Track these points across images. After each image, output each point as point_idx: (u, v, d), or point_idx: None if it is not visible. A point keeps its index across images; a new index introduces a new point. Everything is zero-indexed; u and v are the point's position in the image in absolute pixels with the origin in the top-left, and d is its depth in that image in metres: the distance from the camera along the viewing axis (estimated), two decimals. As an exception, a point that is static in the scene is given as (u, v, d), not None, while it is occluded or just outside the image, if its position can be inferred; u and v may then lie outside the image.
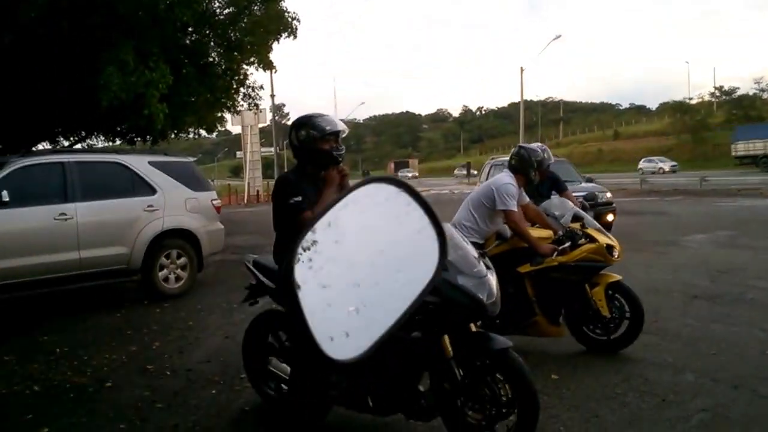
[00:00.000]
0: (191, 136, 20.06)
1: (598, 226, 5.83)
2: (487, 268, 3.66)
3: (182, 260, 9.03)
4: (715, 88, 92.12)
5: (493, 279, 3.61)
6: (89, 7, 11.50)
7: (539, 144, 7.10)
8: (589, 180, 13.68)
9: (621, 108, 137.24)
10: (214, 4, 14.86)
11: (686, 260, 10.69)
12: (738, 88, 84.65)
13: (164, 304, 8.44)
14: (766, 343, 5.85)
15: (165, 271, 8.85)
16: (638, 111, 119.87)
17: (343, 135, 3.98)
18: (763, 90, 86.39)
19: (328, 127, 3.87)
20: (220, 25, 14.96)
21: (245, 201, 38.54)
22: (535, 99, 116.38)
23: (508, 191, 5.60)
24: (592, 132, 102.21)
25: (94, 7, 11.53)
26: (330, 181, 3.90)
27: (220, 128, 20.78)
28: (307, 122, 3.93)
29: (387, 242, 2.78)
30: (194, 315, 7.85)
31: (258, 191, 40.41)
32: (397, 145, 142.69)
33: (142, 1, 11.25)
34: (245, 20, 15.16)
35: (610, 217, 11.84)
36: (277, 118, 74.80)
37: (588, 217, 5.88)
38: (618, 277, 5.68)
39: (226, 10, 15.13)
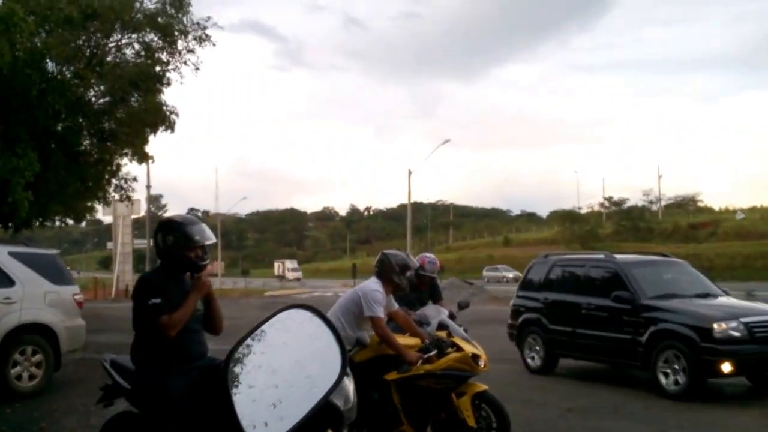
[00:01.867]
0: (57, 224, 19.35)
1: (465, 335, 5.83)
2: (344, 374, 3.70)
3: (38, 357, 8.51)
4: (605, 198, 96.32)
5: (350, 385, 3.64)
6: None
7: (429, 255, 7.37)
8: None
9: (512, 214, 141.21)
10: (90, 92, 14.68)
11: (566, 370, 10.59)
12: (627, 198, 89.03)
13: (16, 403, 7.92)
14: None
15: (19, 368, 8.32)
16: (529, 218, 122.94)
17: (211, 244, 4.01)
18: (651, 202, 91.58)
19: (196, 237, 3.91)
20: (95, 114, 14.83)
21: (113, 295, 37.06)
22: (426, 201, 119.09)
23: (375, 298, 5.61)
24: (482, 238, 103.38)
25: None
26: (199, 288, 3.94)
27: (89, 217, 20.16)
28: (176, 228, 3.95)
29: (301, 354, 3.39)
30: (48, 416, 7.40)
31: (127, 285, 38.91)
32: (281, 242, 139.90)
33: (14, 87, 10.97)
34: (121, 111, 15.07)
35: None
36: (153, 209, 72.90)
37: (453, 326, 5.89)
38: (484, 387, 5.68)
39: (102, 100, 15.01)
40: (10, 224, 15.74)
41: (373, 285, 5.78)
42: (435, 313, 6.18)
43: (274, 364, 3.30)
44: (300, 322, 3.52)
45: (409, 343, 5.65)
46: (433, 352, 5.44)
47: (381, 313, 5.60)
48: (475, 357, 5.54)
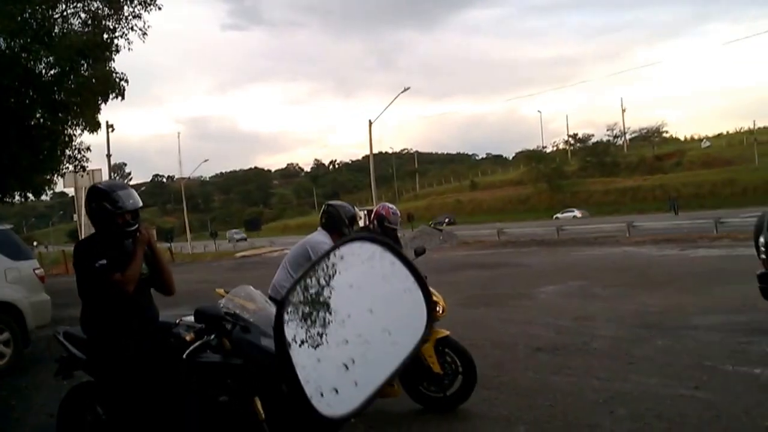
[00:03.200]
0: (17, 200, 19.07)
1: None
2: None
3: (4, 335, 8.51)
4: (569, 136, 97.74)
5: None
6: None
7: (390, 205, 7.15)
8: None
9: (478, 158, 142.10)
10: (39, 65, 14.37)
11: (535, 312, 10.86)
12: (592, 135, 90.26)
13: None
14: (600, 392, 6.00)
15: None
16: (495, 161, 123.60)
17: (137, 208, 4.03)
18: (616, 136, 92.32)
19: (119, 203, 3.91)
20: (45, 86, 14.50)
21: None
22: (390, 151, 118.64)
23: (322, 249, 5.48)
24: (449, 183, 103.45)
25: None
26: (141, 240, 3.99)
27: (50, 191, 19.90)
28: (101, 195, 3.96)
29: (374, 300, 2.72)
30: (17, 393, 7.40)
31: (95, 256, 38.48)
32: (247, 202, 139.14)
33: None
34: (71, 82, 14.79)
35: None
36: (117, 177, 72.00)
37: None
38: (446, 333, 5.67)
39: (51, 71, 14.70)
40: (-31, 203, 15.58)
41: (320, 237, 5.80)
42: None
43: (340, 313, 2.61)
44: (367, 259, 2.79)
45: None
46: None
47: None
48: None
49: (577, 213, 59.69)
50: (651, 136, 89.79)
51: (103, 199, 3.92)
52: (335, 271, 2.65)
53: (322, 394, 2.42)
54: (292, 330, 2.48)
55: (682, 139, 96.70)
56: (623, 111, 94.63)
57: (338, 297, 2.61)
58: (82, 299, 4.03)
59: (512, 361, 7.50)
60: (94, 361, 4.11)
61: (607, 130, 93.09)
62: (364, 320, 2.65)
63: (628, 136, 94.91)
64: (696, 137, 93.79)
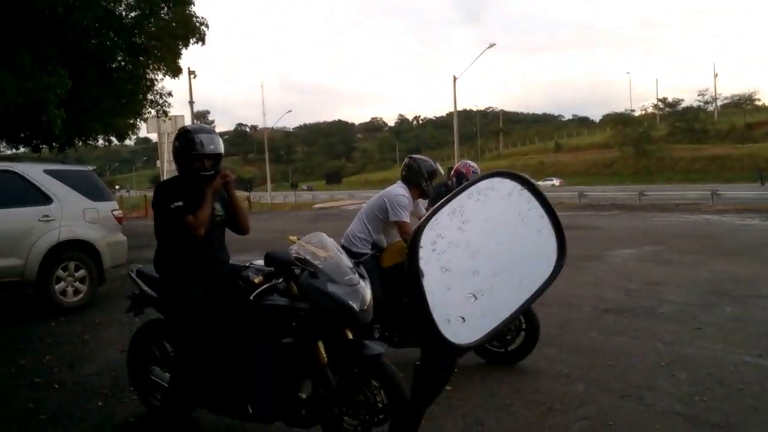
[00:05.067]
0: (100, 143, 19.52)
1: None
2: (361, 277, 3.74)
3: (81, 273, 8.68)
4: (659, 100, 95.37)
5: (366, 288, 3.67)
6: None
7: (472, 163, 7.24)
8: None
9: (563, 119, 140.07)
10: (119, 6, 14.47)
11: (606, 274, 10.77)
12: (682, 100, 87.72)
13: (61, 317, 8.11)
14: (663, 355, 5.96)
15: (62, 283, 8.49)
16: (581, 123, 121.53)
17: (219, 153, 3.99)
18: (707, 102, 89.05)
19: (198, 146, 3.86)
20: (125, 29, 14.57)
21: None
22: (474, 109, 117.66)
23: (401, 203, 5.60)
24: (533, 144, 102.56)
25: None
26: (212, 185, 3.91)
27: (134, 136, 20.32)
28: (184, 135, 3.95)
29: (507, 236, 2.67)
30: (91, 329, 7.59)
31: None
32: (330, 155, 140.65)
33: (33, 6, 10.81)
34: (151, 25, 14.87)
35: None
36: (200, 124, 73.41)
37: None
38: None
39: (131, 14, 14.79)
40: (54, 144, 15.96)
41: (399, 190, 5.74)
42: None
43: (473, 245, 2.58)
44: (506, 195, 2.73)
45: None
46: None
47: (406, 218, 5.58)
48: None
49: (556, 181, 60.10)
50: (743, 104, 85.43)
51: (185, 139, 3.92)
52: (473, 204, 2.60)
53: (449, 321, 2.38)
54: (426, 257, 2.41)
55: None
56: (715, 76, 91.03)
57: (473, 229, 2.56)
58: (158, 239, 4.07)
59: (577, 321, 7.48)
60: (165, 300, 4.22)
61: (698, 95, 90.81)
62: (495, 254, 2.60)
63: (719, 103, 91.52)
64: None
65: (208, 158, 3.90)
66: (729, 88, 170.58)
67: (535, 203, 2.69)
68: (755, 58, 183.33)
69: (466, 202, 2.58)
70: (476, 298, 2.50)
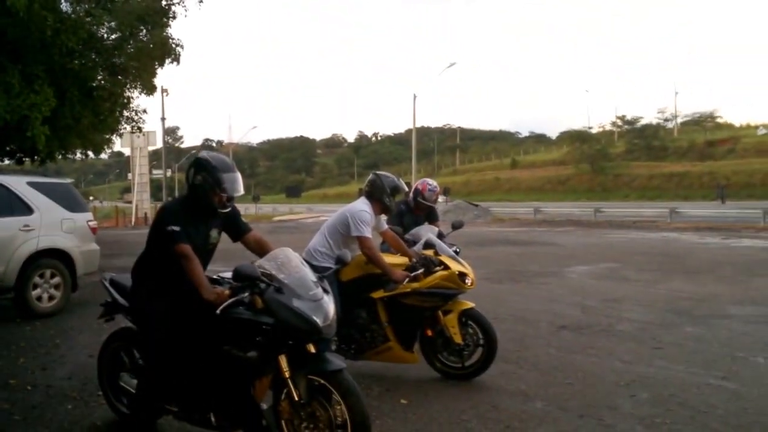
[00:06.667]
0: (78, 157, 20.18)
1: (452, 253, 5.88)
2: (325, 291, 3.82)
3: (56, 279, 9.12)
4: (617, 117, 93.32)
5: (329, 302, 3.77)
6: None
7: (431, 181, 7.29)
8: None
9: (521, 136, 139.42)
10: (102, 29, 15.14)
11: (563, 291, 10.75)
12: (641, 117, 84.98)
13: (36, 322, 8.48)
14: (622, 374, 5.93)
15: (39, 290, 8.91)
16: (538, 140, 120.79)
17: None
18: (667, 120, 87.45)
19: (225, 185, 4.00)
20: (106, 50, 15.31)
21: (132, 223, 38.13)
22: (432, 126, 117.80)
23: (362, 218, 5.65)
24: (489, 160, 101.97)
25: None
26: (217, 297, 3.82)
27: (109, 150, 20.93)
28: (209, 170, 4.02)
29: None
30: (63, 334, 7.89)
31: (146, 213, 39.88)
32: (291, 170, 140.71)
33: (29, 28, 11.48)
34: (131, 46, 15.58)
35: None
36: (170, 140, 73.63)
37: (440, 244, 5.95)
38: (471, 305, 5.73)
39: (113, 36, 15.50)
40: (36, 157, 16.56)
41: (361, 205, 5.81)
42: (426, 232, 6.23)
43: None
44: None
45: (396, 262, 5.76)
46: (420, 271, 5.57)
47: (368, 233, 5.66)
48: (462, 275, 5.61)
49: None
50: (703, 121, 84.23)
51: (208, 173, 4.00)
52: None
53: None
54: None
55: (737, 125, 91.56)
56: (675, 95, 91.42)
57: None
58: (146, 248, 4.21)
59: (535, 337, 7.48)
60: (135, 309, 4.37)
61: (658, 112, 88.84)
62: None
63: (679, 120, 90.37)
64: (752, 124, 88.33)
65: (230, 199, 4.09)
66: (689, 106, 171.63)
67: None
68: (716, 78, 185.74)
69: None
70: None
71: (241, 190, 4.11)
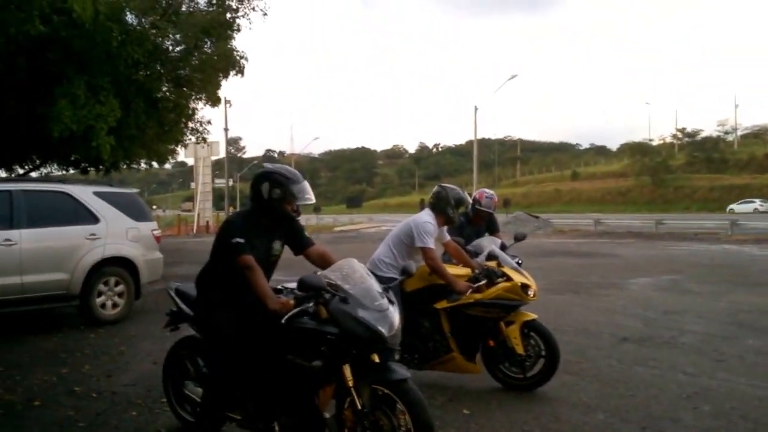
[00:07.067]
0: (142, 167, 20.58)
1: (515, 265, 5.89)
2: (390, 302, 3.82)
3: (120, 287, 9.28)
4: (678, 129, 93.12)
5: (395, 313, 3.77)
6: (45, 44, 11.99)
7: (487, 190, 7.38)
8: None
9: (581, 148, 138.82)
10: (167, 41, 15.43)
11: (624, 303, 10.69)
12: (702, 130, 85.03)
13: (100, 329, 8.63)
14: (684, 386, 5.90)
15: (103, 297, 9.08)
16: (598, 152, 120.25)
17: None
18: (727, 132, 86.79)
19: (299, 195, 4.11)
20: (171, 62, 15.60)
21: (194, 231, 38.76)
22: (493, 137, 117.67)
23: (426, 229, 5.69)
24: (549, 172, 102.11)
25: (50, 44, 12.02)
26: (281, 307, 3.87)
27: (172, 160, 21.30)
28: (284, 184, 4.09)
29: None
30: (127, 341, 8.03)
31: (208, 222, 40.60)
32: (352, 180, 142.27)
33: (95, 39, 11.75)
34: (195, 58, 15.84)
35: None
36: (232, 151, 74.88)
37: (503, 256, 5.95)
38: (533, 316, 5.74)
39: (177, 48, 15.79)
40: (100, 167, 16.96)
41: (425, 217, 5.86)
42: (488, 244, 6.25)
43: None
44: None
45: (459, 273, 5.79)
46: (483, 282, 5.60)
47: (431, 244, 5.68)
48: (525, 286, 5.62)
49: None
50: (763, 134, 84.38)
51: (284, 188, 4.07)
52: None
53: None
54: None
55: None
56: (736, 107, 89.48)
57: None
58: (211, 258, 4.28)
59: (596, 348, 7.46)
60: (200, 319, 4.44)
61: (718, 125, 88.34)
62: None
63: (739, 133, 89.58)
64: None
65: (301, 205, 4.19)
66: (750, 118, 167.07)
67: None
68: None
69: None
70: None
71: (313, 198, 4.21)
